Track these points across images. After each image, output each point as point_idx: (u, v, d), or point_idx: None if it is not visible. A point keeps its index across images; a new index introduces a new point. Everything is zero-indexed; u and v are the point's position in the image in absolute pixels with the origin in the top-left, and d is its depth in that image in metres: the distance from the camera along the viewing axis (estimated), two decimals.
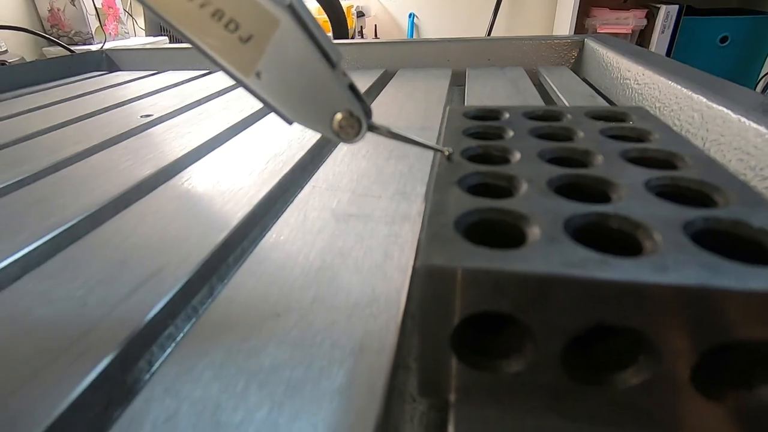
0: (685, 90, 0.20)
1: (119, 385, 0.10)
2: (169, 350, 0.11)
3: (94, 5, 1.10)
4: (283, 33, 0.09)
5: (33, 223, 0.15)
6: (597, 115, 0.13)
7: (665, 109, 0.22)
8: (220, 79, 0.38)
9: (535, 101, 0.27)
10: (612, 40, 0.34)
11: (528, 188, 0.08)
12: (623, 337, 0.06)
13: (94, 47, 1.12)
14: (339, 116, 0.10)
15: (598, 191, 0.09)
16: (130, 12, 1.32)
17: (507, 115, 0.13)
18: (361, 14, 1.74)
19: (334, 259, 0.13)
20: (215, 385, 0.09)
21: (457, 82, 0.38)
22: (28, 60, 0.92)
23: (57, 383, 0.09)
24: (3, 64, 0.81)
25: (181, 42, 0.43)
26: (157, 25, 1.33)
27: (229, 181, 0.18)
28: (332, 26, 0.98)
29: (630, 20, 1.47)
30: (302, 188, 0.17)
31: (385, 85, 0.34)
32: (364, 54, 0.41)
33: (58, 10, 1.08)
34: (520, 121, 0.12)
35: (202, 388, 0.08)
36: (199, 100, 0.32)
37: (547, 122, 0.12)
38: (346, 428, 0.07)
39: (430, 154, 0.19)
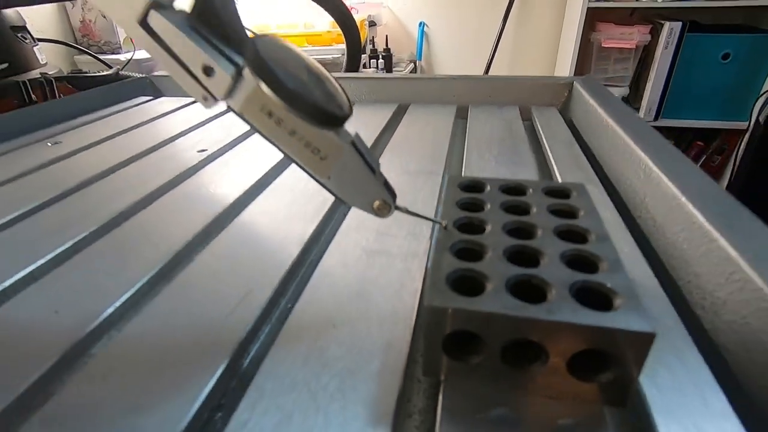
0: (636, 150, 0.26)
1: (237, 370, 0.16)
2: (258, 348, 0.17)
3: None
4: (347, 155, 0.15)
5: (135, 264, 0.21)
6: (549, 191, 0.18)
7: (620, 159, 0.28)
8: None
9: (523, 145, 0.33)
10: (597, 87, 0.39)
11: (491, 254, 0.14)
12: (531, 345, 0.12)
13: (122, 56, 1.19)
14: (377, 203, 0.15)
15: (533, 257, 0.14)
16: None
17: (488, 188, 0.19)
18: (372, 24, 1.79)
19: (366, 285, 0.19)
20: (304, 369, 0.14)
21: (462, 114, 0.43)
22: (64, 70, 0.99)
23: (207, 363, 0.15)
24: (45, 76, 0.88)
25: None
26: None
27: (284, 218, 0.24)
28: (347, 43, 1.03)
29: (634, 35, 1.50)
30: (340, 225, 0.23)
31: (400, 121, 0.40)
32: (381, 88, 0.47)
33: (90, 21, 1.15)
34: (496, 195, 0.18)
35: (297, 371, 0.14)
36: (246, 132, 0.38)
37: (514, 196, 0.18)
38: (381, 395, 0.13)
39: (435, 203, 0.25)
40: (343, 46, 1.11)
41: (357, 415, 0.13)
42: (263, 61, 0.13)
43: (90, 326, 0.17)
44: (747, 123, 1.51)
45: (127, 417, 0.13)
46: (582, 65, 1.61)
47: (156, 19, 0.13)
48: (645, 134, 0.27)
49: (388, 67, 1.57)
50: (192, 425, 0.13)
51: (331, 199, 0.26)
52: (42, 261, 0.21)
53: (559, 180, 0.27)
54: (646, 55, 1.55)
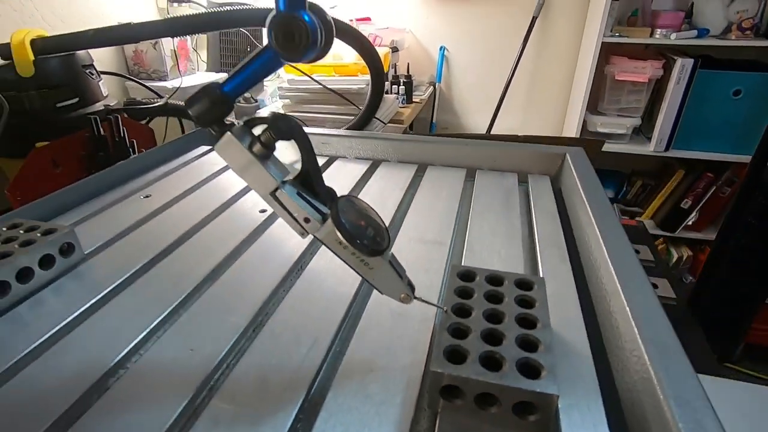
0: (599, 239, 0.34)
1: (311, 397, 0.25)
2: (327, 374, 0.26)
3: (173, 47, 1.30)
4: (385, 268, 0.24)
5: (235, 314, 0.31)
6: (518, 283, 0.27)
7: (586, 240, 0.36)
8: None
9: (516, 218, 0.41)
10: (583, 164, 0.48)
11: (472, 335, 0.23)
12: (493, 396, 0.21)
13: (169, 83, 1.31)
14: (402, 295, 0.24)
15: (499, 338, 0.23)
16: (195, 47, 1.51)
17: (478, 278, 0.28)
18: (395, 50, 1.88)
19: (393, 340, 0.27)
20: (354, 399, 0.24)
21: (471, 175, 0.52)
22: (118, 97, 1.11)
23: (292, 394, 0.24)
24: (108, 108, 1.01)
25: None
26: (217, 63, 1.52)
27: (333, 280, 0.33)
28: (371, 75, 1.13)
29: (647, 69, 1.56)
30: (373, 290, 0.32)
31: (420, 182, 0.49)
32: (404, 148, 0.56)
33: (142, 51, 1.28)
34: (483, 284, 0.27)
35: (351, 401, 0.23)
36: None
37: (494, 286, 0.27)
38: (402, 418, 0.22)
39: (442, 277, 0.34)
40: (368, 77, 1.21)
41: (389, 430, 0.22)
42: (338, 216, 0.22)
43: (214, 363, 0.26)
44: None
45: (248, 426, 0.22)
46: (596, 94, 1.68)
47: (279, 192, 0.22)
48: (608, 223, 0.35)
49: (409, 94, 1.66)
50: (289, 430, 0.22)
51: None
52: (170, 308, 0.30)
53: (539, 254, 0.36)
54: (659, 87, 1.61)
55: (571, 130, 1.71)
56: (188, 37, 1.45)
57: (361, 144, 0.58)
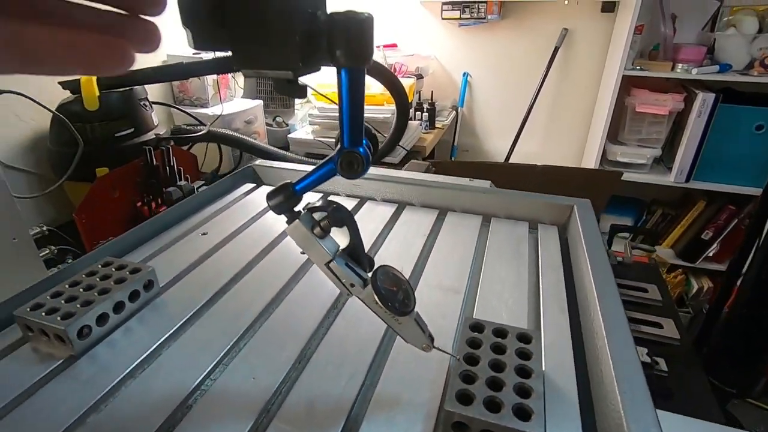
0: (595, 297, 0.39)
1: (350, 424, 0.31)
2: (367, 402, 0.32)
3: (215, 77, 1.41)
4: (411, 324, 0.30)
5: (286, 348, 0.37)
6: (519, 336, 0.33)
7: (584, 291, 0.41)
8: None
9: (524, 268, 0.47)
10: (588, 217, 0.53)
11: (479, 381, 0.29)
12: None
13: (209, 110, 1.41)
14: (424, 345, 0.31)
15: (500, 385, 0.29)
16: (234, 76, 1.62)
17: (486, 330, 0.33)
18: (420, 77, 1.95)
19: (415, 377, 0.34)
20: (386, 427, 0.30)
21: (486, 220, 0.58)
22: (169, 128, 1.22)
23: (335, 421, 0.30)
24: (158, 137, 1.11)
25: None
26: (253, 90, 1.63)
27: (366, 318, 0.40)
28: (397, 106, 1.21)
29: (668, 102, 1.59)
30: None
31: (441, 228, 0.55)
32: (427, 193, 0.63)
33: (187, 81, 1.40)
34: (489, 336, 0.33)
35: (383, 428, 0.30)
36: None
37: (499, 338, 0.33)
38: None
39: (456, 323, 0.40)
40: (394, 107, 1.29)
41: None
42: (377, 283, 0.29)
43: (272, 389, 0.33)
44: None
45: None
46: (617, 124, 1.71)
47: (332, 264, 0.29)
48: (604, 280, 0.41)
49: (432, 120, 1.73)
50: None
51: None
52: (233, 341, 0.37)
53: (542, 304, 0.42)
54: (680, 119, 1.63)
55: (591, 159, 1.74)
56: None
57: (387, 187, 0.64)
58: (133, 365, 0.36)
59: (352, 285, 0.29)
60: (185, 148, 1.19)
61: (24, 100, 0.92)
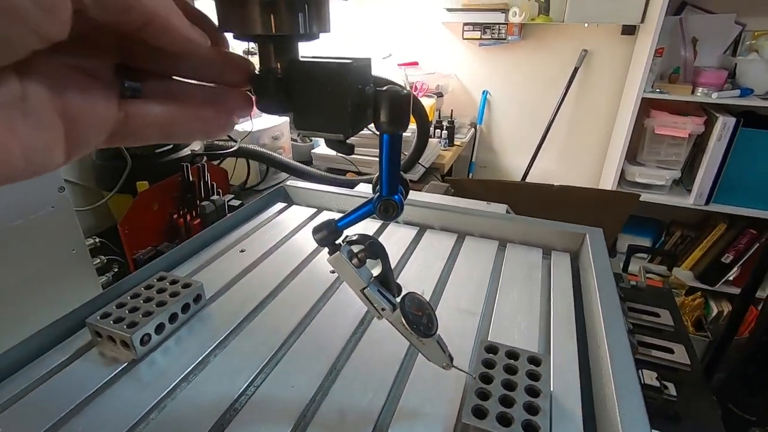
0: (602, 325, 0.43)
1: (377, 425, 0.35)
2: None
3: None
4: (433, 344, 0.34)
5: (318, 361, 0.42)
6: (530, 359, 0.37)
7: (592, 318, 0.45)
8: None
9: (536, 293, 0.51)
10: (599, 246, 0.56)
11: (492, 398, 0.33)
12: None
13: (239, 126, 1.48)
14: (444, 364, 0.35)
15: (511, 402, 0.33)
16: None
17: (499, 352, 0.37)
18: (440, 95, 2.00)
19: (435, 392, 0.38)
20: (414, 423, 0.34)
21: (502, 245, 0.62)
22: (203, 144, 1.29)
23: None
24: (193, 153, 1.18)
25: (341, 187, 0.72)
26: None
27: (390, 335, 0.44)
28: (417, 126, 1.26)
29: (688, 125, 1.59)
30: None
31: (459, 251, 0.60)
32: (446, 217, 0.67)
33: None
34: (503, 357, 0.37)
35: (408, 426, 0.34)
36: None
37: (511, 360, 0.36)
38: None
39: (473, 343, 0.44)
40: (414, 126, 1.35)
41: None
42: (404, 308, 0.33)
43: (308, 398, 0.37)
44: None
45: None
46: (635, 145, 1.72)
47: (366, 290, 0.34)
48: (611, 309, 0.44)
49: (451, 138, 1.77)
50: None
51: None
52: (272, 353, 0.42)
53: (552, 328, 0.45)
54: (700, 141, 1.63)
55: (609, 179, 1.75)
56: None
57: (409, 210, 0.69)
58: (187, 371, 0.41)
59: (383, 309, 0.34)
60: (216, 162, 1.26)
61: None
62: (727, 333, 1.33)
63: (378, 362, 0.41)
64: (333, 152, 1.58)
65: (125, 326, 0.41)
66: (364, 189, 0.82)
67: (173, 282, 0.48)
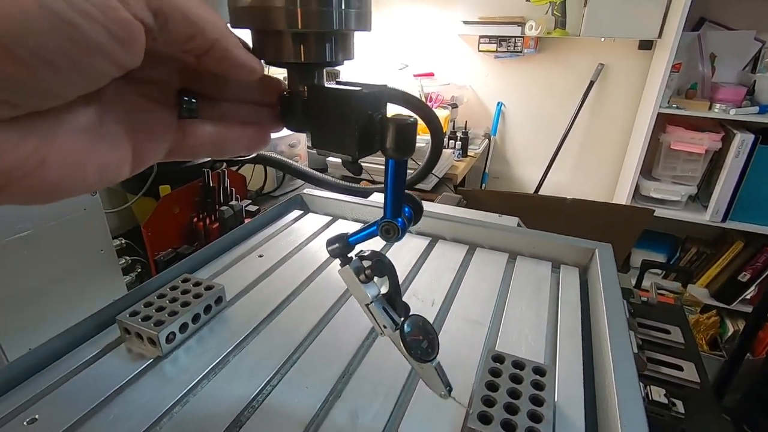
0: (608, 339, 0.44)
1: (386, 430, 0.37)
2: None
3: None
4: (431, 371, 0.36)
5: (332, 364, 0.44)
6: (535, 369, 0.38)
7: (598, 333, 0.46)
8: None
9: (544, 307, 0.52)
10: (608, 262, 0.57)
11: (497, 405, 0.34)
12: None
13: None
14: (442, 393, 0.36)
15: (516, 410, 0.34)
16: None
17: (506, 361, 0.39)
18: (455, 106, 2.02)
19: (442, 400, 0.39)
20: (422, 429, 0.36)
21: (512, 257, 0.63)
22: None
23: None
24: (213, 158, 1.22)
25: (355, 195, 0.74)
26: None
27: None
28: (431, 137, 1.28)
29: (704, 141, 1.58)
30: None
31: (470, 262, 0.61)
32: (458, 228, 0.69)
33: None
34: (509, 366, 0.38)
35: (420, 422, 0.36)
36: None
37: (517, 369, 0.38)
38: None
39: (480, 353, 0.45)
40: (428, 137, 1.36)
41: None
42: (403, 331, 0.35)
43: (321, 400, 0.39)
44: None
45: None
46: (651, 160, 1.71)
47: (371, 306, 0.36)
48: (617, 324, 0.45)
49: (464, 148, 1.79)
50: None
51: None
52: (288, 355, 0.44)
53: (558, 341, 0.46)
54: (717, 157, 1.62)
55: (624, 193, 1.75)
56: None
57: (422, 221, 0.71)
58: (208, 369, 0.43)
59: (385, 326, 0.36)
60: (234, 168, 1.30)
61: None
62: (739, 351, 1.30)
63: (387, 368, 0.43)
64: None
65: (152, 324, 0.44)
66: (378, 198, 0.85)
67: (196, 284, 0.51)
